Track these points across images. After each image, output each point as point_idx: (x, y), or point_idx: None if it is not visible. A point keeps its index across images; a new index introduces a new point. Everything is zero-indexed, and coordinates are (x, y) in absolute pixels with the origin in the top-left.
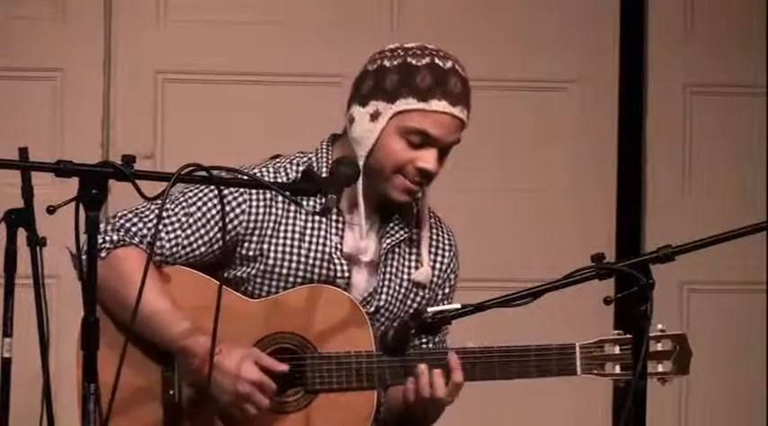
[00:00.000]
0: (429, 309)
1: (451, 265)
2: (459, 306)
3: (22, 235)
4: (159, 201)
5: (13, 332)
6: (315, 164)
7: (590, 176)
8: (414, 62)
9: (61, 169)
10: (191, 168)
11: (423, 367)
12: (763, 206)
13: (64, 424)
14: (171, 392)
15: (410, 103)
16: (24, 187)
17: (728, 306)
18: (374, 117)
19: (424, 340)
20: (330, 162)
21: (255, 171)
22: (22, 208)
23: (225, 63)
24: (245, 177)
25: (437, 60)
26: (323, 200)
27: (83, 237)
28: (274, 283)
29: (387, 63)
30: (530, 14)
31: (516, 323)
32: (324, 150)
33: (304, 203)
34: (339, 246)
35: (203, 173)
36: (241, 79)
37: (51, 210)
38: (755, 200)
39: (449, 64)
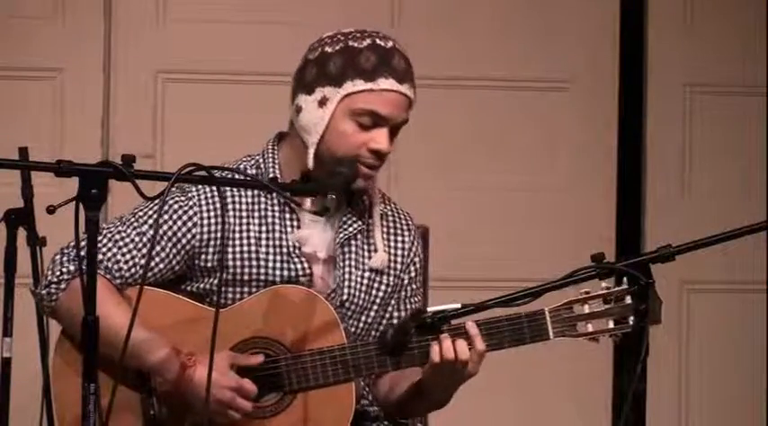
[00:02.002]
0: (429, 309)
1: (413, 248)
2: (459, 305)
3: (22, 235)
4: (108, 224)
5: (13, 332)
6: (261, 165)
7: (590, 176)
8: (355, 45)
9: (61, 169)
10: (191, 168)
11: (445, 335)
12: (763, 206)
13: None
14: (152, 413)
15: (357, 85)
16: (24, 187)
17: (728, 306)
18: (322, 103)
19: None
20: (276, 161)
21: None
22: (22, 208)
23: (225, 63)
24: (245, 177)
25: (378, 41)
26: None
27: (81, 242)
28: (238, 290)
29: (328, 49)
30: (529, 14)
31: None
32: (270, 150)
33: (305, 204)
34: (296, 244)
35: (203, 173)
36: (241, 79)
37: (51, 210)
38: (755, 200)
39: (389, 43)
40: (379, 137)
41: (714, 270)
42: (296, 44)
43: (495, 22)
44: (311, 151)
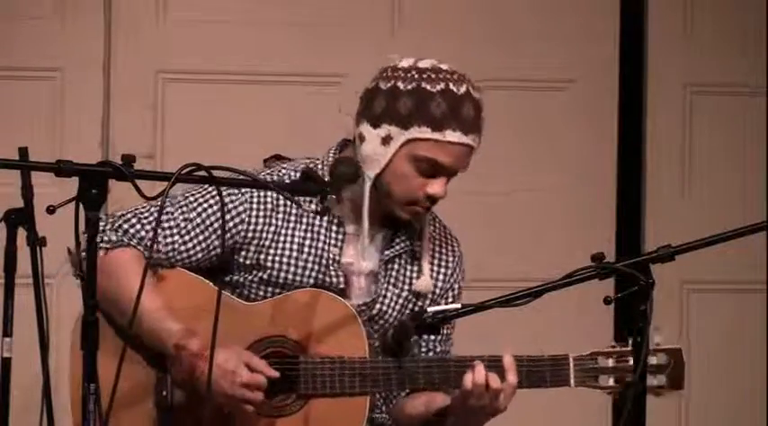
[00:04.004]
0: (429, 309)
1: (455, 275)
2: (459, 305)
3: (22, 234)
4: (160, 201)
5: (13, 332)
6: (319, 171)
7: (590, 176)
8: (428, 88)
9: (61, 169)
10: (191, 168)
11: (478, 361)
12: (763, 206)
13: (64, 424)
14: (164, 393)
15: (424, 132)
16: (24, 187)
17: (728, 306)
18: (386, 141)
19: (426, 346)
20: None
21: (261, 176)
22: (22, 208)
23: (225, 63)
24: (246, 177)
25: (451, 85)
26: (317, 201)
27: (83, 238)
28: (270, 289)
29: (401, 85)
30: (530, 14)
31: (516, 323)
32: (332, 156)
33: (305, 205)
34: (337, 257)
35: (203, 173)
36: (241, 79)
37: (51, 210)
38: (755, 200)
39: (463, 89)
40: (437, 185)
41: (714, 270)
42: (296, 44)
43: (495, 23)
44: (368, 183)
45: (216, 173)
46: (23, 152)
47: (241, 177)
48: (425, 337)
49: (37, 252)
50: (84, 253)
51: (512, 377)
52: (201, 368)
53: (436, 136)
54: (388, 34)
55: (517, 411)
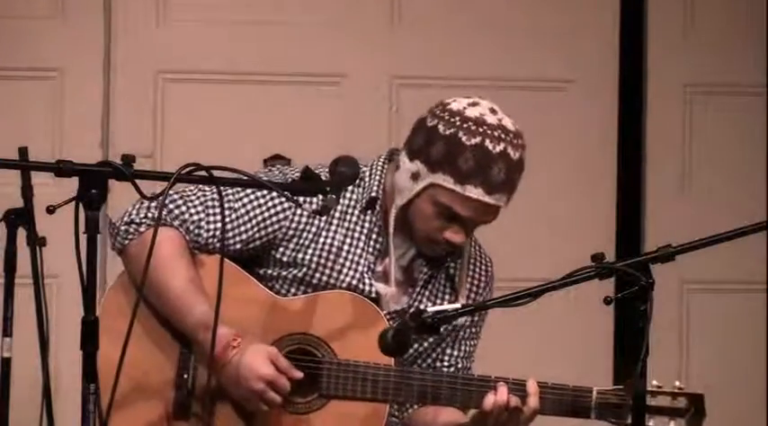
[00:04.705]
0: (429, 309)
1: (484, 294)
2: (459, 305)
3: (22, 235)
4: (211, 190)
5: (13, 332)
6: (366, 179)
7: (590, 176)
8: (463, 139)
9: (61, 169)
10: (191, 168)
11: (502, 384)
12: (763, 206)
13: (64, 424)
14: (185, 375)
15: (447, 181)
16: (24, 187)
17: (728, 305)
18: (415, 177)
19: (449, 361)
20: (382, 181)
21: (285, 176)
22: (22, 208)
23: (225, 63)
24: (245, 177)
25: (487, 142)
26: (320, 201)
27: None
28: (302, 288)
29: (441, 128)
30: (529, 14)
31: (516, 323)
32: (379, 167)
33: (306, 205)
34: (372, 266)
35: (203, 173)
36: (241, 79)
37: (51, 210)
38: (755, 200)
39: (499, 148)
40: (456, 231)
41: (714, 270)
42: (296, 44)
43: (495, 23)
44: (394, 212)
45: (216, 173)
46: (23, 152)
47: (240, 177)
48: (449, 352)
49: (37, 252)
50: (122, 228)
51: (533, 402)
52: (228, 356)
53: (457, 189)
54: (388, 34)
55: None
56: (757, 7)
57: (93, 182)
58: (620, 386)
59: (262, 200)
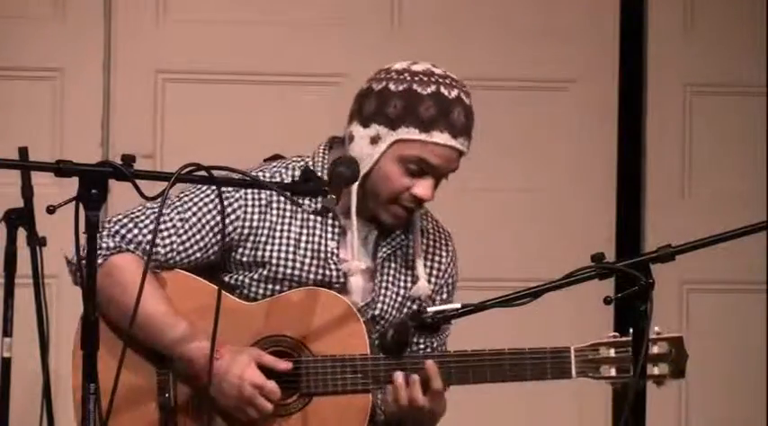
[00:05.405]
0: (429, 309)
1: (449, 270)
2: (459, 305)
3: (22, 235)
4: (155, 203)
5: (13, 332)
6: (312, 168)
7: (590, 176)
8: (419, 90)
9: (61, 169)
10: (191, 168)
11: (398, 374)
12: (763, 206)
13: (63, 424)
14: (167, 395)
15: (412, 133)
16: (24, 187)
17: (728, 306)
18: (374, 140)
19: (424, 343)
20: (325, 167)
21: (253, 174)
22: (22, 208)
23: (225, 63)
24: (245, 177)
25: (442, 89)
26: (319, 201)
27: (81, 240)
28: (270, 287)
29: (392, 86)
30: (529, 14)
31: (516, 323)
32: (321, 154)
33: (304, 204)
34: (335, 251)
35: (203, 173)
36: (241, 79)
37: (51, 210)
38: (755, 200)
39: (454, 93)
40: (423, 185)
41: (714, 270)
42: (296, 44)
43: (495, 22)
44: (355, 183)
45: (216, 172)
46: (23, 152)
47: (240, 177)
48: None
49: (37, 252)
50: (83, 261)
51: (435, 384)
52: (215, 369)
53: (423, 137)
54: (388, 34)
55: (516, 405)
56: (757, 7)
57: (93, 182)
58: (596, 341)
59: (211, 205)
